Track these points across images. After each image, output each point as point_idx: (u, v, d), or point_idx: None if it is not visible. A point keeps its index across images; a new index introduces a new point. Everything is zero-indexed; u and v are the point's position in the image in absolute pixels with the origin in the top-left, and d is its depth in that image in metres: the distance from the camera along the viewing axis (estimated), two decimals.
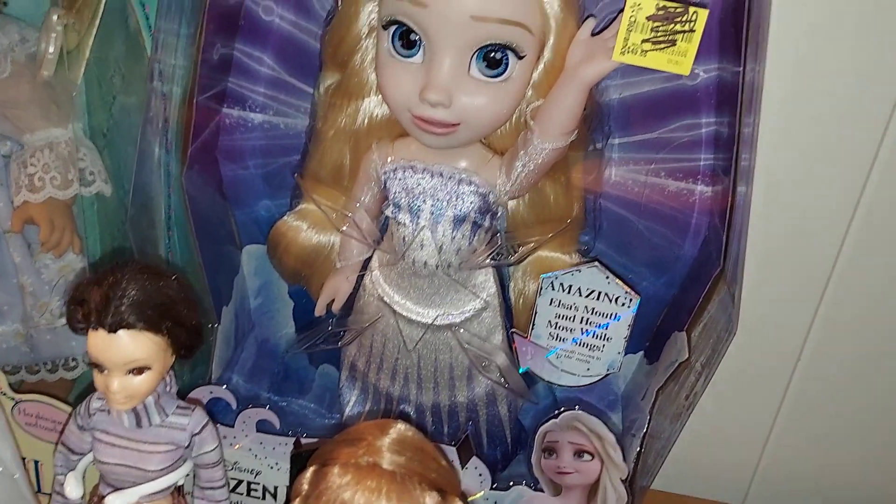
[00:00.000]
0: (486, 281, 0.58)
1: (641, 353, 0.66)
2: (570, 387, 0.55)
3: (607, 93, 0.57)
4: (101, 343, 0.42)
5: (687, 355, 0.57)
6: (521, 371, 0.56)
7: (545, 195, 0.56)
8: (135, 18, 0.51)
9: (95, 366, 0.44)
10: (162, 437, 0.48)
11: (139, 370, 0.44)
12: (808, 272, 0.60)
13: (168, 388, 0.48)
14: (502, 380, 0.57)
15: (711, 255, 0.59)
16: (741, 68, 0.51)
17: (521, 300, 0.60)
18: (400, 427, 0.39)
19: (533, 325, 0.53)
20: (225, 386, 0.60)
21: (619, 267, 0.63)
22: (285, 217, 0.62)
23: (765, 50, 0.52)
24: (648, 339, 0.65)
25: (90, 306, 0.42)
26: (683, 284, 0.63)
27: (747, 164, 0.55)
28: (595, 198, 0.60)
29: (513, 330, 0.56)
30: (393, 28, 0.49)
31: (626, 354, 0.57)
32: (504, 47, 0.48)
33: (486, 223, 0.56)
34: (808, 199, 0.59)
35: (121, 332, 0.42)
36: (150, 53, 0.51)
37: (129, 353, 0.42)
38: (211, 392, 0.59)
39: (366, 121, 0.56)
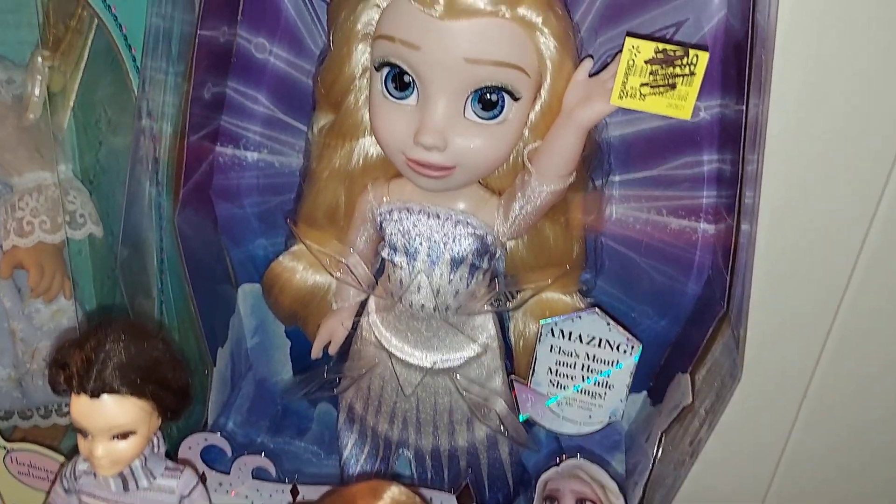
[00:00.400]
0: (485, 323, 0.57)
1: (645, 392, 0.65)
2: (572, 435, 0.53)
3: (607, 130, 0.56)
4: (83, 408, 0.41)
5: (690, 399, 0.55)
6: (521, 419, 0.54)
7: (544, 236, 0.55)
8: (122, 59, 0.50)
9: (79, 431, 0.42)
10: (150, 501, 0.46)
11: (124, 435, 0.42)
12: (814, 313, 0.58)
13: (156, 450, 0.46)
14: (502, 427, 0.55)
15: (715, 295, 0.57)
16: (744, 105, 0.50)
17: (521, 342, 0.59)
18: (393, 491, 0.37)
19: (533, 371, 0.52)
20: (220, 433, 0.59)
21: (621, 305, 0.62)
22: (280, 258, 0.61)
23: (769, 86, 0.50)
24: (652, 378, 0.64)
25: (72, 370, 0.40)
26: (687, 324, 0.62)
27: (751, 202, 0.53)
28: (596, 236, 0.58)
29: (512, 377, 0.54)
30: (386, 70, 0.48)
31: (629, 394, 0.55)
32: (499, 89, 0.47)
33: (485, 265, 0.54)
34: (813, 238, 0.57)
35: (104, 397, 0.41)
36: (138, 91, 0.50)
37: (112, 419, 0.41)
38: (206, 439, 0.57)
39: (360, 161, 0.55)
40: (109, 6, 0.48)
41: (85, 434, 0.42)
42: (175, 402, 0.43)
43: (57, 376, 0.41)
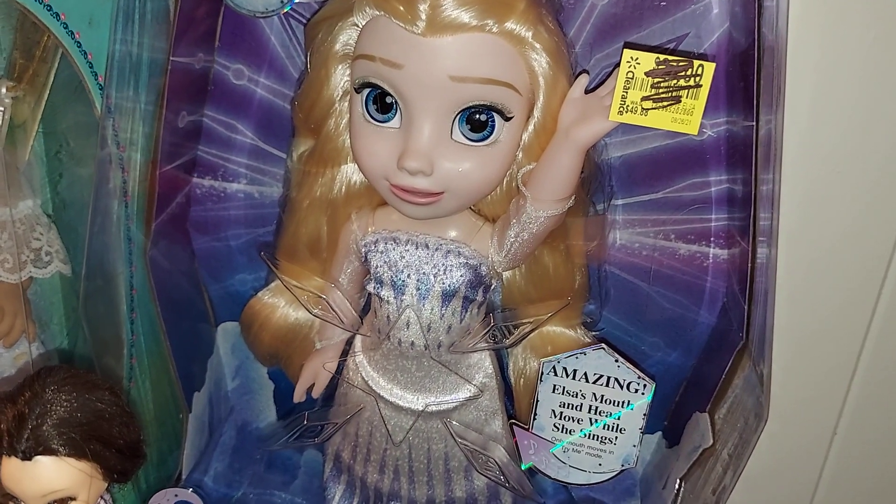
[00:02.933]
0: (481, 361, 0.53)
1: (659, 433, 0.60)
2: (581, 485, 0.48)
3: (607, 151, 0.53)
4: (14, 472, 0.36)
5: (711, 441, 0.51)
6: (524, 467, 0.49)
7: (543, 265, 0.51)
8: (87, 88, 0.47)
9: (10, 498, 0.37)
10: None
11: (62, 501, 0.37)
12: (842, 343, 0.54)
13: None
14: (502, 477, 0.50)
15: (731, 325, 0.53)
16: (754, 121, 0.46)
17: (521, 381, 0.54)
18: None
19: (535, 414, 0.47)
20: (193, 488, 0.54)
21: (629, 337, 0.58)
22: (260, 294, 0.57)
23: (782, 101, 0.47)
24: (666, 417, 0.59)
25: (2, 428, 0.36)
26: (702, 357, 0.57)
27: (768, 223, 0.49)
28: (600, 264, 0.55)
29: (512, 422, 0.49)
30: (366, 91, 0.45)
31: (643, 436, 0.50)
32: (489, 108, 0.43)
33: (479, 297, 0.50)
34: (838, 260, 0.53)
35: (38, 459, 0.36)
36: (101, 119, 0.47)
37: (47, 484, 0.36)
38: (176, 496, 0.53)
39: (343, 189, 0.51)
40: (72, 32, 0.45)
41: (17, 502, 0.37)
42: (122, 462, 0.38)
43: None
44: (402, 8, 0.41)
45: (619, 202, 0.55)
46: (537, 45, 0.43)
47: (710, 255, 0.55)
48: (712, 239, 0.54)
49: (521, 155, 0.46)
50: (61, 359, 0.57)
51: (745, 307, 0.50)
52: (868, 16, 0.49)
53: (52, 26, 0.44)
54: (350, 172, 0.51)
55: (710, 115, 0.51)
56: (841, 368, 0.53)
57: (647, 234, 0.55)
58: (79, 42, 0.46)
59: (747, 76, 0.46)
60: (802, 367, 0.53)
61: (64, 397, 0.36)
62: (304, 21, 0.52)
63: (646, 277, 0.56)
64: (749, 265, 0.49)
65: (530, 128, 0.45)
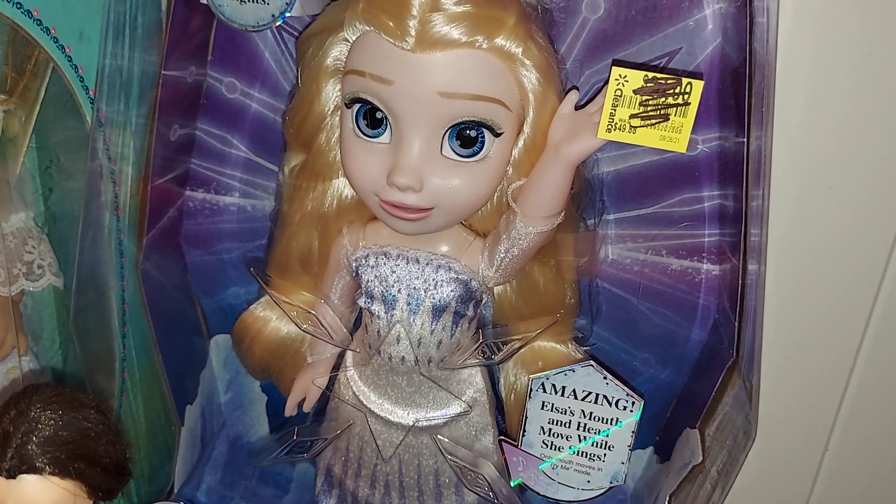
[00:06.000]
0: (472, 376, 0.52)
1: (651, 448, 0.59)
2: (570, 502, 0.48)
3: (598, 166, 0.53)
4: None
5: (701, 458, 0.50)
6: (513, 484, 0.49)
7: (534, 280, 0.51)
8: (78, 102, 0.47)
9: None
10: None
11: None
12: (832, 362, 0.53)
13: None
14: (491, 494, 0.50)
15: (722, 341, 0.53)
16: (745, 137, 0.46)
17: (512, 396, 0.54)
18: None
19: (524, 431, 0.47)
20: (184, 501, 0.54)
21: (620, 353, 0.58)
22: (251, 307, 0.57)
23: (771, 117, 0.47)
24: (658, 432, 0.59)
25: None
26: (693, 373, 0.57)
27: (758, 240, 0.49)
28: (591, 280, 0.54)
29: (501, 438, 0.49)
30: (357, 106, 0.45)
31: (633, 450, 0.50)
32: (478, 124, 0.43)
33: (470, 312, 0.50)
34: (827, 278, 0.53)
35: (23, 478, 0.35)
36: (92, 131, 0.47)
37: (31, 503, 0.36)
38: None
39: (334, 203, 0.51)
40: (63, 47, 0.45)
41: None
42: (107, 481, 0.38)
43: None
44: (391, 24, 0.41)
45: (611, 217, 0.54)
46: (527, 62, 0.43)
47: (703, 271, 0.55)
48: (704, 254, 0.54)
49: (511, 170, 0.46)
50: (54, 376, 0.56)
51: (736, 324, 0.50)
52: (858, 31, 0.49)
53: (42, 41, 0.44)
54: (341, 187, 0.51)
55: (703, 130, 0.51)
56: (831, 385, 0.53)
57: (638, 249, 0.55)
58: (69, 56, 0.46)
59: (739, 92, 0.46)
60: (792, 384, 0.53)
61: (49, 415, 0.35)
62: (297, 34, 0.52)
63: (637, 293, 0.56)
64: (740, 282, 0.49)
65: (520, 143, 0.45)
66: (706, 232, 0.54)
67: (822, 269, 0.53)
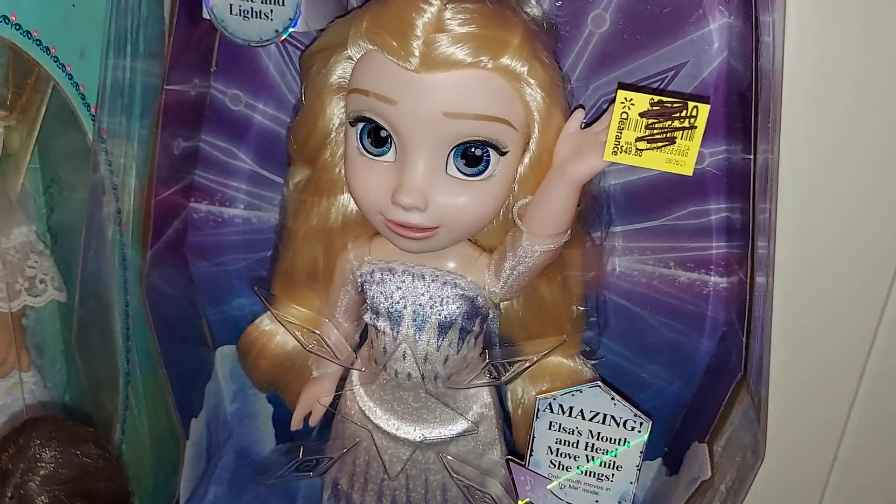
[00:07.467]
0: (479, 391, 0.52)
1: (660, 459, 0.59)
2: None
3: (605, 178, 0.52)
4: None
5: (709, 473, 0.50)
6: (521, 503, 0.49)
7: (540, 296, 0.51)
8: (80, 120, 0.46)
9: None
10: None
11: None
12: (840, 380, 0.53)
13: None
14: None
15: (731, 355, 0.53)
16: (752, 151, 0.46)
17: (519, 410, 0.54)
18: None
19: (531, 450, 0.47)
20: None
21: (629, 364, 0.58)
22: (258, 320, 0.57)
23: (778, 131, 0.46)
24: (667, 443, 0.59)
25: None
26: (702, 385, 0.57)
27: (765, 252, 0.48)
28: (598, 294, 0.54)
29: (508, 458, 0.49)
30: (361, 125, 0.44)
31: (643, 461, 0.50)
32: (484, 144, 0.43)
33: (476, 328, 0.50)
34: (836, 292, 0.52)
35: None
36: (94, 144, 0.47)
37: None
38: None
39: (339, 218, 0.51)
40: (64, 65, 0.45)
41: None
42: None
43: None
44: (395, 44, 0.41)
45: (619, 229, 0.54)
46: (532, 81, 0.42)
47: (710, 284, 0.54)
48: (712, 267, 0.54)
49: (516, 188, 0.46)
50: (57, 395, 0.56)
51: (744, 339, 0.49)
52: (862, 44, 0.48)
53: (42, 61, 0.43)
54: (346, 202, 0.50)
55: (710, 144, 0.50)
56: (839, 403, 0.53)
57: (646, 261, 0.54)
58: (70, 74, 0.46)
59: (746, 106, 0.46)
60: (800, 402, 0.52)
61: (49, 453, 0.35)
62: (302, 48, 0.51)
63: (645, 304, 0.55)
64: (747, 295, 0.49)
65: (526, 161, 0.45)
66: (714, 244, 0.53)
67: (831, 283, 0.52)
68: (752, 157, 0.46)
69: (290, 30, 0.46)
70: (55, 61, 0.44)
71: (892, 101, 0.48)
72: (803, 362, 0.52)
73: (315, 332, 0.51)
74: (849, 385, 0.51)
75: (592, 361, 0.54)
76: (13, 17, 0.40)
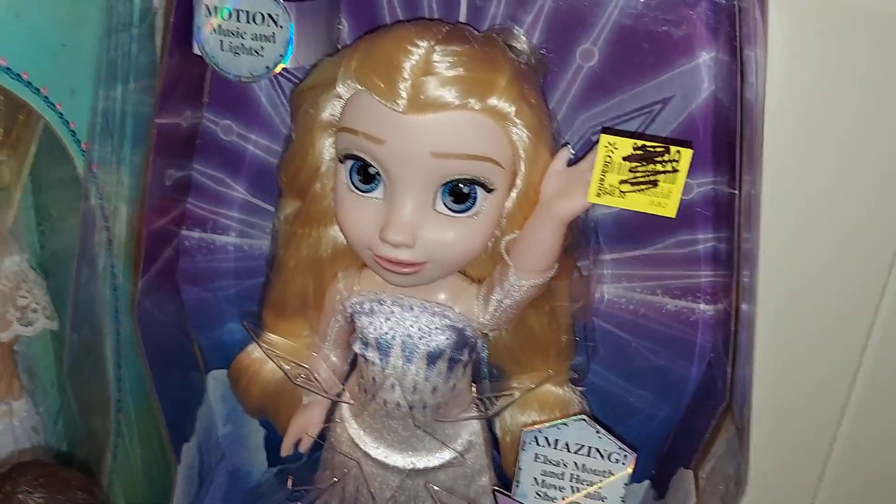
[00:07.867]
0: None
1: (648, 482, 0.60)
2: None
3: (595, 208, 0.53)
4: None
5: (694, 500, 0.51)
6: None
7: (528, 325, 0.51)
8: (71, 155, 0.47)
9: None
10: None
11: None
12: (824, 410, 0.53)
13: None
14: None
15: (717, 382, 0.53)
16: (737, 182, 0.46)
17: (508, 437, 0.54)
18: None
19: (517, 481, 0.48)
20: None
21: (617, 390, 0.58)
22: (248, 348, 0.57)
23: (760, 161, 0.47)
24: (654, 466, 0.60)
25: None
26: (689, 409, 0.58)
27: (748, 280, 0.49)
28: (585, 323, 0.55)
29: (494, 488, 0.50)
30: (350, 162, 0.45)
31: (631, 483, 0.51)
32: (471, 182, 0.43)
33: (465, 357, 0.50)
34: (819, 321, 0.53)
35: None
36: (85, 172, 0.48)
37: None
38: None
39: (329, 249, 0.51)
40: (54, 104, 0.45)
41: None
42: None
43: None
44: (383, 86, 0.41)
45: (607, 257, 0.55)
46: (518, 121, 0.42)
47: (698, 311, 0.55)
48: (700, 295, 0.54)
49: (504, 223, 0.46)
50: (49, 427, 0.57)
51: (729, 368, 0.50)
52: (848, 80, 0.49)
53: (32, 101, 0.43)
54: (336, 233, 0.50)
55: (697, 175, 0.51)
56: (822, 432, 0.53)
57: (634, 289, 0.55)
58: (60, 113, 0.46)
59: (732, 138, 0.46)
60: (783, 432, 0.53)
61: (36, 498, 0.36)
62: (294, 80, 0.52)
63: (633, 331, 0.56)
64: (733, 325, 0.49)
65: (513, 196, 0.45)
66: (702, 273, 0.54)
67: (816, 312, 0.53)
68: (736, 189, 0.47)
69: (281, 66, 0.47)
70: (45, 100, 0.44)
71: (871, 131, 0.49)
72: (786, 391, 0.53)
73: (304, 367, 0.51)
74: (832, 414, 0.52)
75: (580, 389, 0.55)
76: (3, 62, 0.40)
